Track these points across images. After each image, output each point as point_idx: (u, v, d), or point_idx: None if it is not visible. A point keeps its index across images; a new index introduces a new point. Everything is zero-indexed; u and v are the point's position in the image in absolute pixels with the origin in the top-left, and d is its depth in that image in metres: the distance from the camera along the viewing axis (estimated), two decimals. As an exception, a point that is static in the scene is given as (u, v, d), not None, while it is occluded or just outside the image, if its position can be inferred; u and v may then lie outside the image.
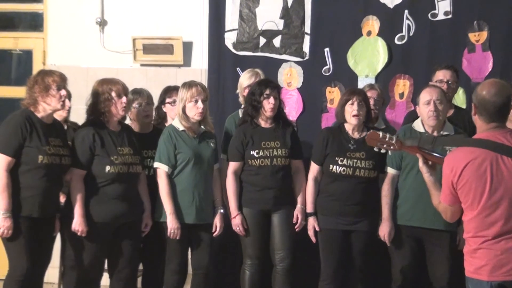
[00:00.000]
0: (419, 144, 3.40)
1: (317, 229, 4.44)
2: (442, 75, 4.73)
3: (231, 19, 5.60)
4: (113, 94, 4.20)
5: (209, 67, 5.64)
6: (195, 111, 4.38)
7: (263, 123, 4.54)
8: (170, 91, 4.78)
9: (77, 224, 4.10)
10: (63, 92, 4.08)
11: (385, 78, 5.42)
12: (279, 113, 4.55)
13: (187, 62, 5.68)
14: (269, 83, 4.54)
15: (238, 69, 5.54)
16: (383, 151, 3.57)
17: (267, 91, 4.47)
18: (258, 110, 4.50)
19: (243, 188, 4.52)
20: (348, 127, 4.44)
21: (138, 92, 4.63)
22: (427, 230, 4.28)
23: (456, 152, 3.20)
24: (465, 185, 3.09)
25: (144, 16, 5.75)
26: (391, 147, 3.47)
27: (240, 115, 4.76)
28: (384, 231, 4.34)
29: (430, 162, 3.37)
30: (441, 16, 5.37)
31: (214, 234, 4.47)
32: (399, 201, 4.36)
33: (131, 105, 4.49)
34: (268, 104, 4.47)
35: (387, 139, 3.46)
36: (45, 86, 4.05)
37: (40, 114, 4.09)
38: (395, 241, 4.36)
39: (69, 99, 4.71)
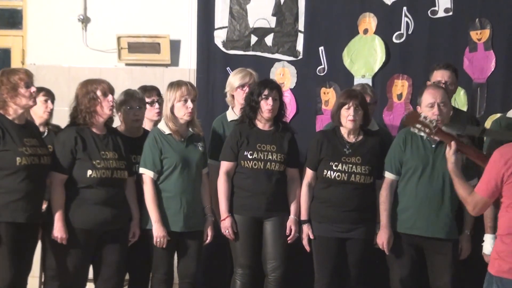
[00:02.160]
0: (464, 133, 3.50)
1: (311, 237, 4.36)
2: (440, 76, 4.64)
3: (221, 16, 5.54)
4: (99, 93, 4.13)
5: (197, 66, 5.59)
6: (184, 111, 4.28)
7: (261, 125, 4.45)
8: (148, 90, 4.70)
9: (56, 230, 4.03)
10: (32, 88, 4.02)
11: (382, 78, 5.37)
12: (279, 116, 4.46)
13: (174, 61, 5.63)
14: (268, 83, 4.47)
15: (228, 68, 5.46)
16: (416, 131, 3.63)
17: (266, 92, 4.38)
18: (256, 111, 4.42)
19: (234, 193, 4.42)
20: (344, 131, 4.37)
21: (130, 94, 4.51)
22: (429, 239, 4.21)
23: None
24: None
25: (129, 13, 5.68)
26: (427, 130, 3.58)
27: (228, 117, 4.70)
28: (382, 238, 4.25)
29: (459, 153, 3.46)
30: (441, 13, 5.31)
31: (205, 243, 4.39)
32: (399, 207, 4.27)
33: (121, 107, 4.42)
34: (266, 106, 4.38)
35: (427, 121, 3.56)
36: (12, 86, 3.98)
37: (11, 116, 4.02)
38: (394, 249, 4.27)
39: (52, 102, 4.65)
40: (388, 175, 4.28)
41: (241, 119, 4.50)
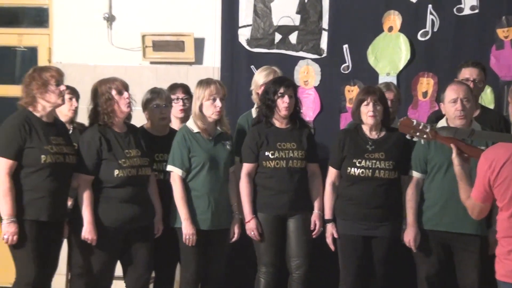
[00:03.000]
0: (454, 136, 3.35)
1: (335, 236, 4.35)
2: (468, 73, 4.61)
3: (245, 14, 5.52)
4: (113, 92, 4.13)
5: (221, 65, 5.57)
6: (212, 110, 4.27)
7: (278, 124, 4.43)
8: (174, 88, 4.70)
9: (87, 232, 4.04)
10: (62, 87, 4.03)
11: (407, 76, 5.34)
12: (295, 113, 4.45)
13: (198, 59, 5.61)
14: (283, 81, 4.44)
15: (252, 67, 5.45)
16: (415, 139, 3.56)
17: (281, 90, 4.36)
18: (272, 110, 4.40)
19: (257, 192, 4.41)
20: (365, 128, 4.36)
21: (157, 92, 4.51)
22: (456, 234, 4.18)
23: (496, 147, 3.15)
24: (503, 183, 3.04)
25: (154, 11, 5.67)
26: (425, 136, 3.43)
27: (254, 115, 4.68)
28: (409, 236, 4.23)
29: (465, 155, 3.32)
30: (467, 11, 5.27)
31: (231, 241, 4.39)
32: (425, 205, 4.25)
33: (148, 105, 4.42)
34: (283, 103, 4.36)
35: (421, 127, 3.42)
36: (43, 82, 3.99)
37: (39, 113, 4.03)
38: (421, 247, 4.25)
39: (77, 100, 4.66)
40: (414, 174, 4.26)
41: (257, 119, 4.49)
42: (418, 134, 3.42)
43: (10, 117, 4.04)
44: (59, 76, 4.03)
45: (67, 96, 4.59)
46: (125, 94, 4.13)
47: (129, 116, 4.26)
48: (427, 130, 3.40)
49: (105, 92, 4.11)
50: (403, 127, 3.45)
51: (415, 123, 3.42)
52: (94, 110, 4.17)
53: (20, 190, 3.92)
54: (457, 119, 4.13)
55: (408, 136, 3.50)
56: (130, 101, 4.16)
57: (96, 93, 4.15)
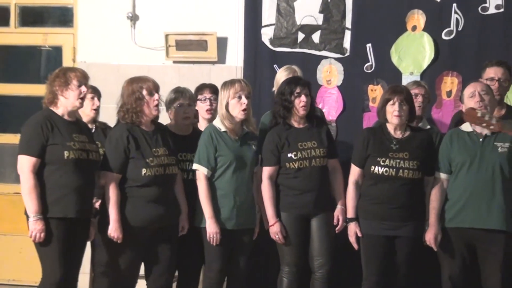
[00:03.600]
0: None
1: (359, 235, 4.32)
2: (493, 73, 4.59)
3: (268, 14, 5.51)
4: (144, 92, 4.12)
5: (244, 64, 5.56)
6: (239, 107, 4.27)
7: (296, 124, 4.43)
8: (201, 88, 4.69)
9: (113, 230, 4.03)
10: (83, 88, 4.03)
11: (431, 76, 5.30)
12: (311, 112, 4.44)
13: (221, 58, 5.61)
14: (298, 81, 4.44)
15: (275, 66, 5.44)
16: (483, 129, 3.81)
17: (298, 89, 4.36)
18: (290, 110, 4.39)
19: (280, 192, 4.40)
20: (390, 127, 4.34)
21: (181, 92, 4.51)
22: (481, 231, 4.16)
23: None
24: None
25: (177, 11, 5.68)
26: (491, 127, 3.74)
27: None
28: (429, 235, 4.23)
29: None
30: (492, 10, 5.23)
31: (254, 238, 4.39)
32: (449, 203, 4.24)
33: (172, 105, 4.41)
34: (300, 103, 4.36)
35: (486, 118, 3.69)
36: (65, 80, 4.00)
37: (60, 111, 4.05)
38: (444, 246, 4.24)
39: (99, 99, 4.67)
40: (439, 175, 4.26)
41: (274, 122, 4.46)
42: (484, 125, 3.65)
43: (32, 116, 4.06)
44: (82, 77, 4.04)
45: (89, 96, 4.60)
46: (156, 96, 4.12)
47: (157, 116, 4.24)
48: (493, 121, 3.67)
49: (136, 91, 4.11)
50: (468, 117, 3.72)
51: (480, 114, 3.64)
52: (124, 107, 4.15)
53: (45, 189, 3.92)
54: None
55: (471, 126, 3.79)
56: (159, 103, 4.16)
57: (127, 90, 4.14)
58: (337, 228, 4.39)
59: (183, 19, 5.63)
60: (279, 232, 4.32)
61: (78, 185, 3.97)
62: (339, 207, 4.41)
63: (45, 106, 4.07)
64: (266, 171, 4.37)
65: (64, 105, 4.03)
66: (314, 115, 4.46)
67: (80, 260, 4.14)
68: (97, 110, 4.74)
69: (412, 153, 4.24)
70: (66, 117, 4.04)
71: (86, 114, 4.63)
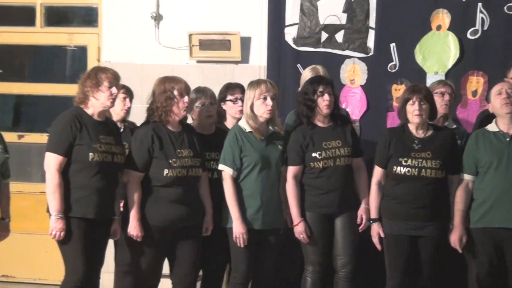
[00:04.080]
0: None
1: (382, 235, 4.32)
2: None
3: (292, 13, 5.50)
4: (176, 92, 4.13)
5: (268, 63, 5.56)
6: (264, 108, 4.26)
7: (320, 123, 4.42)
8: (232, 87, 4.67)
9: (132, 228, 4.06)
10: (114, 90, 4.04)
11: (456, 75, 5.27)
12: (335, 111, 4.44)
13: (245, 58, 5.60)
14: (321, 80, 4.43)
15: (298, 65, 5.45)
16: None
17: (321, 88, 4.35)
18: (313, 110, 4.38)
19: (304, 191, 4.39)
20: (412, 127, 4.32)
21: (202, 91, 4.51)
22: (510, 231, 4.14)
23: None
24: None
25: (200, 10, 5.68)
26: None
27: None
28: (454, 237, 4.21)
29: None
30: (517, 9, 5.21)
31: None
32: (476, 203, 4.23)
33: (193, 104, 4.41)
34: (323, 102, 4.35)
35: None
36: (97, 81, 4.02)
37: (90, 111, 4.06)
38: (470, 247, 4.23)
39: (131, 100, 4.71)
40: (464, 176, 4.24)
41: (298, 121, 4.46)
42: None
43: (62, 113, 4.08)
44: (113, 78, 4.05)
45: (121, 96, 4.60)
46: (186, 98, 4.13)
47: (184, 118, 4.26)
48: None
49: (167, 90, 4.12)
50: None
51: None
52: (153, 105, 4.16)
53: (69, 188, 3.95)
54: (503, 107, 4.18)
55: None
56: (189, 106, 4.17)
57: (158, 88, 4.15)
58: (360, 227, 4.38)
59: (207, 18, 5.64)
60: (303, 232, 4.33)
61: (99, 186, 3.99)
62: (363, 206, 4.40)
63: (75, 104, 4.09)
64: (291, 170, 4.37)
65: (94, 105, 4.05)
66: (338, 114, 4.45)
67: (102, 259, 4.15)
68: (127, 111, 4.74)
69: (435, 152, 4.22)
70: (95, 117, 4.06)
71: (116, 113, 4.64)
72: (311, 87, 4.37)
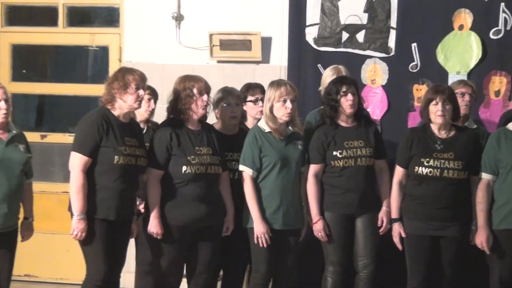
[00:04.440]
0: None
1: (403, 235, 4.30)
2: None
3: (313, 13, 5.49)
4: (195, 91, 4.15)
5: (288, 63, 5.55)
6: (283, 111, 4.26)
7: (343, 123, 4.41)
8: (252, 88, 4.68)
9: (152, 226, 4.08)
10: (141, 92, 4.06)
11: (478, 75, 5.24)
12: (359, 111, 4.42)
13: (265, 58, 5.60)
14: (344, 80, 4.43)
15: (319, 65, 5.43)
16: None
17: (344, 88, 4.35)
18: (337, 110, 4.38)
19: (324, 191, 4.39)
20: (434, 127, 4.30)
21: (229, 91, 4.52)
22: None
23: None
24: None
25: (221, 11, 5.69)
26: None
27: None
28: (481, 238, 4.18)
29: None
30: (542, 8, 5.16)
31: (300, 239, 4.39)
32: (498, 204, 4.19)
33: (219, 104, 4.42)
34: (347, 102, 4.34)
35: None
36: (124, 83, 4.03)
37: (116, 112, 4.08)
38: (494, 248, 4.20)
39: (155, 101, 4.72)
40: (484, 176, 4.20)
41: (322, 121, 4.45)
42: None
43: (89, 113, 4.10)
44: (141, 80, 4.06)
45: (146, 97, 4.59)
46: (205, 96, 4.15)
47: (204, 117, 4.27)
48: None
49: (187, 88, 4.13)
50: None
51: None
52: (173, 103, 4.18)
53: (93, 189, 3.97)
54: None
55: None
56: (208, 104, 4.18)
57: (178, 86, 4.17)
58: (380, 230, 4.37)
59: (228, 19, 5.64)
60: (322, 230, 4.33)
61: (121, 189, 4.01)
62: (384, 208, 4.39)
63: (102, 104, 4.10)
64: (312, 168, 4.37)
65: (121, 107, 4.06)
66: (362, 115, 4.44)
67: (123, 259, 4.17)
68: (152, 112, 4.75)
69: (457, 153, 4.20)
70: (121, 118, 4.08)
71: (140, 114, 4.65)
72: (334, 87, 4.37)
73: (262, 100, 4.56)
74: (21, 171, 4.18)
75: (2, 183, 4.07)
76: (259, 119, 4.50)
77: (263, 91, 4.61)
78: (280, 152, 4.26)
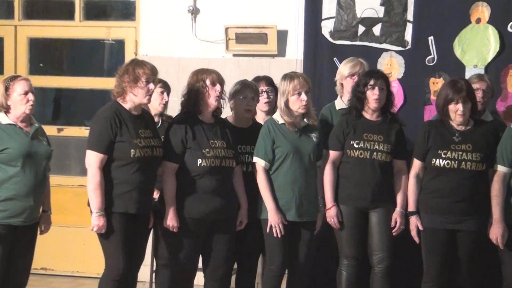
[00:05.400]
0: None
1: (420, 228, 4.28)
2: None
3: (329, 7, 5.48)
4: (208, 82, 4.14)
5: (304, 57, 5.53)
6: (299, 104, 4.24)
7: (368, 116, 4.41)
8: (257, 80, 4.67)
9: (168, 219, 4.08)
10: (151, 86, 4.05)
11: (496, 68, 5.20)
12: (387, 107, 4.40)
13: (281, 52, 5.59)
14: (374, 73, 4.42)
15: (335, 59, 5.42)
16: None
17: (372, 82, 4.33)
18: (362, 102, 4.37)
19: (339, 183, 4.39)
20: (453, 122, 4.27)
21: (247, 85, 4.48)
22: None
23: None
24: None
25: (237, 4, 5.69)
26: None
27: (337, 106, 4.68)
28: (496, 233, 4.15)
29: None
30: (560, 1, 5.11)
31: (314, 233, 4.37)
32: None
33: (235, 96, 4.40)
34: (373, 95, 4.33)
35: None
36: (134, 77, 4.02)
37: (128, 105, 4.08)
38: (507, 243, 4.15)
39: (168, 94, 4.74)
40: (500, 168, 4.17)
41: (348, 111, 4.46)
42: None
43: (101, 109, 4.09)
44: (151, 74, 4.04)
45: (159, 90, 4.64)
46: (218, 86, 4.14)
47: (219, 111, 4.27)
48: None
49: (200, 80, 4.13)
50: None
51: None
52: (187, 96, 4.18)
53: (111, 183, 3.97)
54: None
55: None
56: (220, 96, 4.17)
57: (191, 79, 4.18)
58: (394, 231, 4.35)
59: (243, 12, 5.64)
60: (334, 216, 4.32)
61: (140, 181, 4.01)
62: (397, 209, 4.36)
63: (113, 97, 4.11)
64: (331, 155, 4.37)
65: (132, 100, 4.06)
66: (390, 111, 4.43)
67: (142, 253, 4.17)
68: (165, 105, 4.77)
69: (476, 145, 4.18)
70: (133, 111, 4.08)
71: (154, 108, 4.67)
72: (363, 79, 4.37)
73: (267, 92, 4.58)
74: (45, 165, 4.20)
75: (29, 177, 4.10)
76: (265, 111, 4.52)
77: (269, 83, 4.62)
78: (293, 143, 4.24)
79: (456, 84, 4.26)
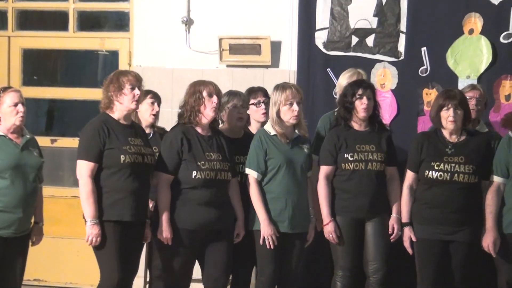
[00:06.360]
0: None
1: (413, 239, 4.29)
2: None
3: (322, 17, 5.48)
4: (204, 93, 4.16)
5: (298, 68, 5.54)
6: (290, 114, 4.25)
7: (357, 126, 4.42)
8: (254, 91, 4.67)
9: (163, 231, 4.08)
10: (136, 91, 4.07)
11: (489, 79, 5.22)
12: (374, 116, 4.42)
13: (275, 62, 5.60)
14: (361, 83, 4.43)
15: (328, 70, 5.43)
16: None
17: (360, 91, 4.34)
18: (350, 112, 4.39)
19: (335, 195, 4.39)
20: (445, 132, 4.29)
21: (234, 94, 4.51)
22: None
23: None
24: None
25: (231, 15, 5.69)
26: None
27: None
28: (488, 241, 4.17)
29: None
30: (553, 12, 5.13)
31: (306, 244, 4.36)
32: (506, 207, 4.18)
33: (225, 106, 4.41)
34: (361, 105, 4.34)
35: None
36: (119, 85, 4.06)
37: (116, 115, 4.10)
38: (502, 252, 4.18)
39: (159, 104, 4.75)
40: (496, 179, 4.19)
41: (336, 123, 4.47)
42: None
43: (90, 121, 4.12)
44: (135, 81, 4.07)
45: (149, 101, 4.66)
46: (214, 98, 4.15)
47: (216, 122, 4.29)
48: None
49: (197, 92, 4.15)
50: (507, 123, 3.47)
51: None
52: (184, 107, 4.20)
53: (103, 193, 3.97)
54: None
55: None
56: (217, 107, 4.18)
57: (189, 90, 4.20)
58: (392, 237, 4.36)
59: (237, 23, 5.64)
60: (333, 232, 4.32)
61: (133, 188, 4.01)
62: (394, 216, 4.37)
63: (102, 111, 4.13)
64: (323, 170, 4.37)
65: (119, 109, 4.08)
66: (377, 120, 4.45)
67: (137, 263, 4.16)
68: (156, 116, 4.77)
69: (468, 157, 4.19)
70: (122, 121, 4.10)
71: (145, 119, 4.67)
72: (350, 89, 4.38)
73: (264, 102, 4.57)
74: (35, 176, 4.20)
75: (18, 188, 4.09)
76: (262, 123, 4.51)
77: (265, 94, 4.61)
78: (286, 155, 4.24)
79: (449, 92, 4.30)
